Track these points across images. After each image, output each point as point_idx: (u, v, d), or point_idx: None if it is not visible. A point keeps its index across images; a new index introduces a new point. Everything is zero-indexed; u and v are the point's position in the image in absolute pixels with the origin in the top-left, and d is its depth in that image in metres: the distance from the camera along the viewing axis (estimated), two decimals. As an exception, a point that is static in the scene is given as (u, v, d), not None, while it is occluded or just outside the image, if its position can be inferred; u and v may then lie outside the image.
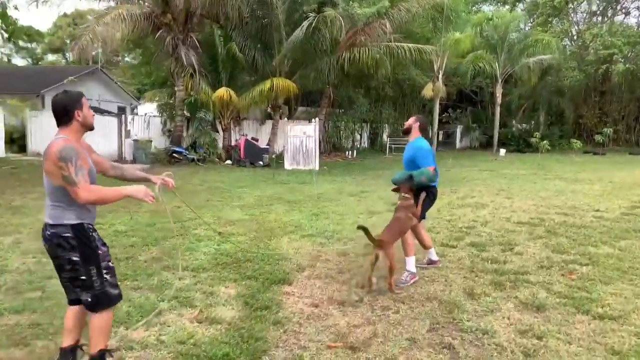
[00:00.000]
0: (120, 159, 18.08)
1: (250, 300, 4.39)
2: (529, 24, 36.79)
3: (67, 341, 3.04)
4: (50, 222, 2.76)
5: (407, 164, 5.26)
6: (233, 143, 20.52)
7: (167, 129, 19.01)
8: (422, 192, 5.11)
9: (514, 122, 34.62)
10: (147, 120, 18.86)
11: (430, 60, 23.39)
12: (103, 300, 2.84)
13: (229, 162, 19.50)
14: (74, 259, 2.73)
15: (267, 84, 18.46)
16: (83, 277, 2.76)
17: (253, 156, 19.18)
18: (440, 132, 37.11)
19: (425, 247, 5.52)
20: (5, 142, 18.05)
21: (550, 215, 8.82)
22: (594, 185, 13.59)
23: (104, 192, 2.76)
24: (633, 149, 30.57)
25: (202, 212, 8.48)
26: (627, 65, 29.72)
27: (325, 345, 3.61)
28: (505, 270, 5.38)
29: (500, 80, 29.07)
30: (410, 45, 21.06)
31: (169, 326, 3.83)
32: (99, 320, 2.87)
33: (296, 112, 24.54)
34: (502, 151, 28.57)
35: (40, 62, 51.66)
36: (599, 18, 36.04)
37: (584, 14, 37.33)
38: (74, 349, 3.04)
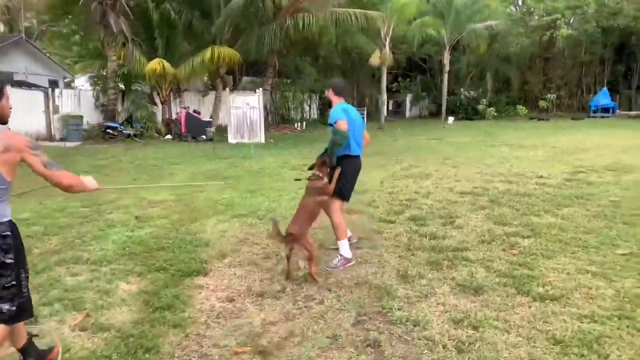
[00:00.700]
0: (50, 136, 16.67)
1: (152, 298, 3.78)
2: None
3: (18, 345, 2.72)
4: None
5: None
6: (174, 116, 19.40)
7: (100, 103, 17.63)
8: (337, 167, 4.57)
9: (462, 90, 34.81)
10: (78, 94, 17.38)
11: (378, 27, 22.77)
12: (25, 310, 2.52)
13: (169, 137, 18.46)
14: (8, 262, 2.38)
15: (208, 53, 17.37)
16: (13, 283, 2.40)
17: (195, 130, 18.20)
18: (390, 102, 36.99)
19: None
20: None
21: (494, 184, 8.58)
22: (537, 150, 13.60)
23: (79, 183, 2.72)
24: (575, 114, 31.40)
25: (125, 193, 7.70)
26: (569, 31, 30.22)
27: (232, 351, 3.07)
28: (444, 247, 5.00)
29: (447, 48, 28.90)
30: (356, 10, 20.35)
31: (43, 338, 3.18)
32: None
33: (241, 83, 23.48)
34: (451, 119, 28.69)
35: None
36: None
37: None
38: (30, 342, 2.76)
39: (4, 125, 2.49)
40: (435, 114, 34.05)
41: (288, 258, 4.28)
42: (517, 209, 6.61)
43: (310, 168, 4.64)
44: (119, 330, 3.28)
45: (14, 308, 2.44)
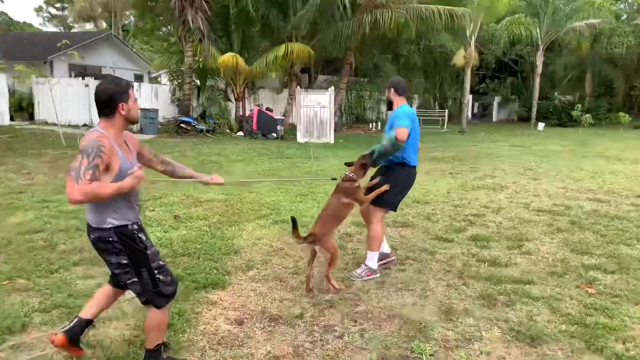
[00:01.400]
0: (128, 129, 17.41)
1: (154, 313, 3.42)
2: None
3: (86, 313, 2.79)
4: (91, 224, 2.55)
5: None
6: (247, 113, 19.54)
7: (177, 97, 18.14)
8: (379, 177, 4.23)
9: (556, 94, 32.12)
10: (155, 88, 17.99)
11: (463, 25, 21.46)
12: (158, 300, 2.66)
13: (240, 133, 18.58)
14: (123, 262, 2.56)
15: (282, 49, 17.23)
16: (135, 279, 2.59)
17: (266, 128, 18.16)
18: (476, 104, 35.08)
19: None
20: (15, 110, 17.68)
21: (579, 202, 7.47)
22: (639, 165, 11.93)
23: (99, 190, 2.36)
24: (690, 124, 27.74)
25: (175, 189, 7.58)
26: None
27: (218, 390, 2.61)
28: (504, 277, 4.22)
29: (541, 48, 26.67)
30: (439, 7, 19.27)
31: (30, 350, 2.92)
32: (155, 315, 2.68)
33: (316, 81, 23.23)
34: (541, 125, 26.48)
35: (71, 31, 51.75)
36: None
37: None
38: (89, 322, 2.79)
39: (100, 129, 2.51)
40: (525, 119, 31.65)
41: (309, 263, 3.99)
42: (603, 235, 5.58)
43: (349, 165, 4.22)
44: (105, 349, 2.95)
45: (144, 299, 2.65)
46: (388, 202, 4.25)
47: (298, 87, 17.92)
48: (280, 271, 4.37)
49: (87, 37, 21.86)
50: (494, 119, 35.38)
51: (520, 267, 4.51)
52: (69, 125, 18.11)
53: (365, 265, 4.27)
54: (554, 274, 4.34)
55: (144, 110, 17.33)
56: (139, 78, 23.77)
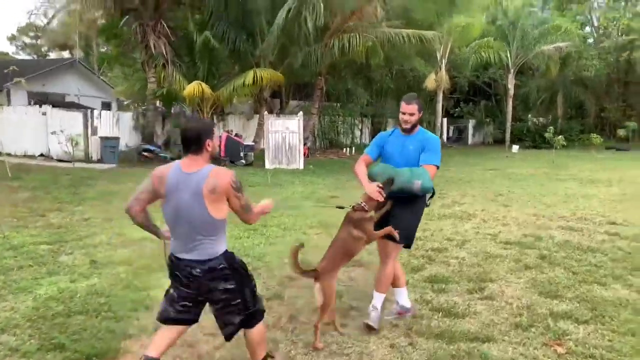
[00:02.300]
0: (87, 158, 16.55)
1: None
2: (546, 9, 34.22)
3: (152, 352, 2.76)
4: (202, 258, 2.62)
5: (406, 160, 3.65)
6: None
7: (141, 124, 17.38)
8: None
9: (529, 116, 32.26)
10: (117, 115, 17.21)
11: (435, 49, 21.35)
12: (257, 315, 2.84)
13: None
14: (229, 287, 2.66)
15: (250, 76, 16.69)
16: (238, 301, 2.70)
17: (234, 154, 17.46)
18: (451, 128, 35.01)
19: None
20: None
21: (550, 231, 6.93)
22: (612, 187, 11.56)
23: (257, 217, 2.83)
24: (660, 144, 28.01)
25: (109, 224, 6.82)
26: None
27: None
28: (459, 334, 3.55)
29: (512, 71, 26.77)
30: (408, 31, 19.09)
31: None
32: (257, 331, 2.84)
33: (287, 106, 22.74)
34: (515, 147, 26.36)
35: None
36: (622, 3, 33.23)
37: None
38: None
39: (207, 168, 2.62)
40: (500, 141, 31.59)
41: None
42: (575, 272, 4.99)
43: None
44: None
45: (242, 318, 2.75)
46: (411, 238, 3.78)
47: (266, 112, 17.36)
48: (194, 331, 3.63)
49: (50, 64, 21.07)
50: (470, 142, 35.33)
51: (479, 318, 3.86)
52: (25, 156, 17.18)
53: (398, 304, 3.88)
54: (518, 326, 3.69)
55: (103, 138, 16.54)
56: (106, 105, 22.96)
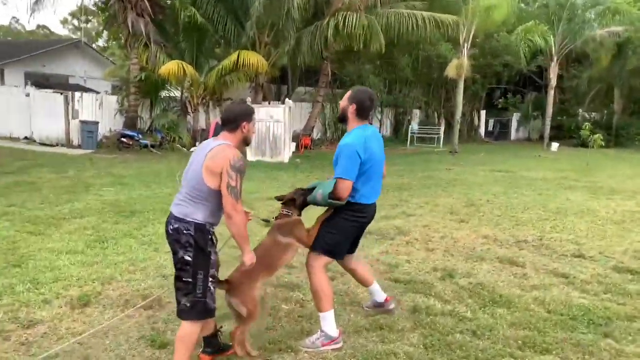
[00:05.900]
0: (68, 143, 15.93)
1: None
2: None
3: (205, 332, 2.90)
4: (178, 215, 2.69)
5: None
6: (205, 127, 17.74)
7: (124, 109, 16.53)
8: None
9: (579, 110, 28.84)
10: (100, 99, 16.43)
11: (457, 34, 19.01)
12: (199, 310, 2.69)
13: (194, 148, 16.76)
14: (187, 258, 2.64)
15: (232, 57, 15.35)
16: (189, 279, 2.64)
17: (221, 142, 16.28)
18: (491, 121, 32.08)
19: (365, 283, 3.82)
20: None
21: (477, 265, 5.08)
22: (630, 201, 9.26)
23: (243, 225, 2.74)
24: None
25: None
26: None
27: None
28: None
29: (556, 59, 23.72)
30: (423, 13, 17.00)
31: None
32: (186, 329, 2.71)
33: (293, 94, 21.22)
34: (555, 145, 23.47)
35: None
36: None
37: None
38: (215, 335, 3.02)
39: (229, 142, 2.75)
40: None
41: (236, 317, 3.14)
42: (426, 347, 3.23)
43: (280, 199, 3.45)
44: None
45: (187, 304, 2.65)
46: (328, 248, 3.35)
47: (249, 99, 15.99)
48: None
49: (52, 44, 20.77)
50: (513, 137, 32.31)
51: None
52: (10, 138, 16.88)
53: (321, 331, 3.29)
54: None
55: (82, 122, 15.85)
56: (116, 88, 22.42)
